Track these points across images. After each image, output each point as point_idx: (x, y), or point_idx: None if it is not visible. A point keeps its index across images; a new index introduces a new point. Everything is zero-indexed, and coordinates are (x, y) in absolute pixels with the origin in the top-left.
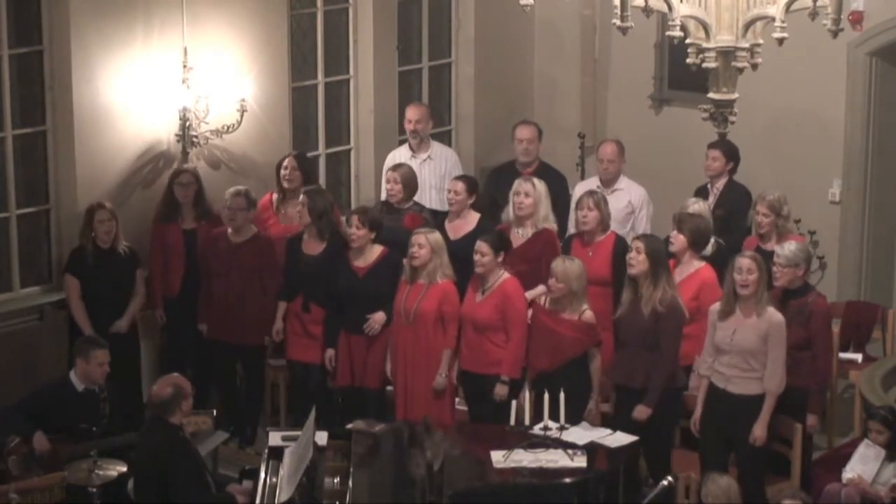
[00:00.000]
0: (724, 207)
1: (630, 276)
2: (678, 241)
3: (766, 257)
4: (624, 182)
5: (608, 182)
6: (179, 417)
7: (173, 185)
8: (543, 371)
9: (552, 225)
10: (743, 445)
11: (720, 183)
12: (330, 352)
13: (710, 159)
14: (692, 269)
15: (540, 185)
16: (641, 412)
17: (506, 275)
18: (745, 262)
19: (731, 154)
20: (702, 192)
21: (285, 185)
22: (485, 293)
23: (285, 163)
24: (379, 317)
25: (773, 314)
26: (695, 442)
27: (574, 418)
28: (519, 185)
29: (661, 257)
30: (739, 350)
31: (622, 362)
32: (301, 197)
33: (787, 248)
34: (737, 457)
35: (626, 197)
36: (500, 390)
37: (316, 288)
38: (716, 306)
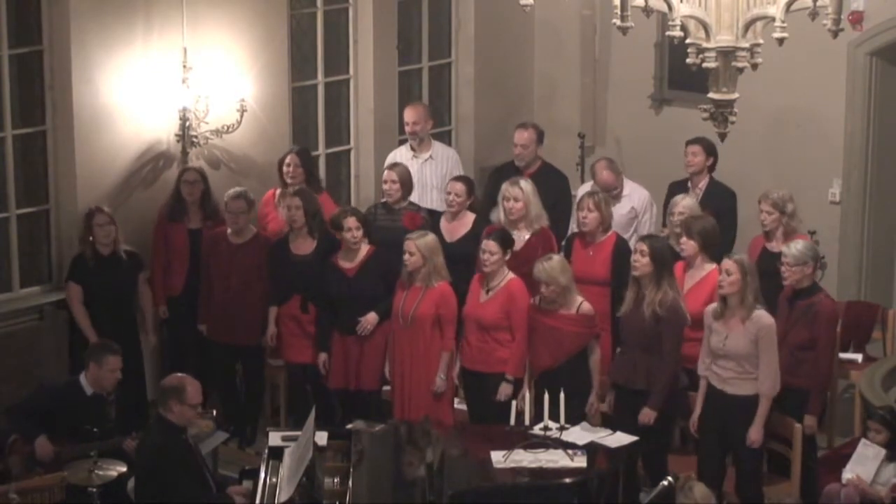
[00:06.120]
0: (711, 208)
1: (633, 276)
2: (689, 246)
3: (773, 258)
4: (627, 187)
5: (615, 197)
6: (178, 416)
7: (180, 182)
8: (546, 369)
9: (545, 222)
10: (740, 446)
11: (703, 182)
12: (323, 356)
13: (691, 155)
14: (704, 273)
15: (527, 186)
16: (647, 415)
17: (511, 275)
18: (727, 263)
19: (711, 150)
20: (678, 188)
21: (288, 181)
22: (490, 293)
23: (287, 160)
24: (371, 317)
25: (763, 317)
26: (693, 443)
27: (576, 414)
28: (507, 190)
29: (664, 259)
30: (733, 355)
31: (622, 363)
32: (291, 199)
33: (794, 248)
34: (734, 457)
35: (629, 203)
36: (506, 390)
37: (313, 287)
38: (711, 307)
